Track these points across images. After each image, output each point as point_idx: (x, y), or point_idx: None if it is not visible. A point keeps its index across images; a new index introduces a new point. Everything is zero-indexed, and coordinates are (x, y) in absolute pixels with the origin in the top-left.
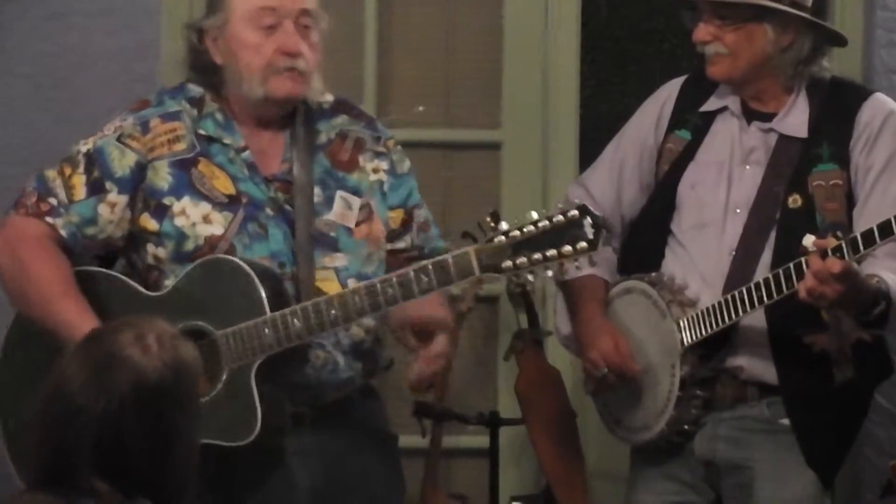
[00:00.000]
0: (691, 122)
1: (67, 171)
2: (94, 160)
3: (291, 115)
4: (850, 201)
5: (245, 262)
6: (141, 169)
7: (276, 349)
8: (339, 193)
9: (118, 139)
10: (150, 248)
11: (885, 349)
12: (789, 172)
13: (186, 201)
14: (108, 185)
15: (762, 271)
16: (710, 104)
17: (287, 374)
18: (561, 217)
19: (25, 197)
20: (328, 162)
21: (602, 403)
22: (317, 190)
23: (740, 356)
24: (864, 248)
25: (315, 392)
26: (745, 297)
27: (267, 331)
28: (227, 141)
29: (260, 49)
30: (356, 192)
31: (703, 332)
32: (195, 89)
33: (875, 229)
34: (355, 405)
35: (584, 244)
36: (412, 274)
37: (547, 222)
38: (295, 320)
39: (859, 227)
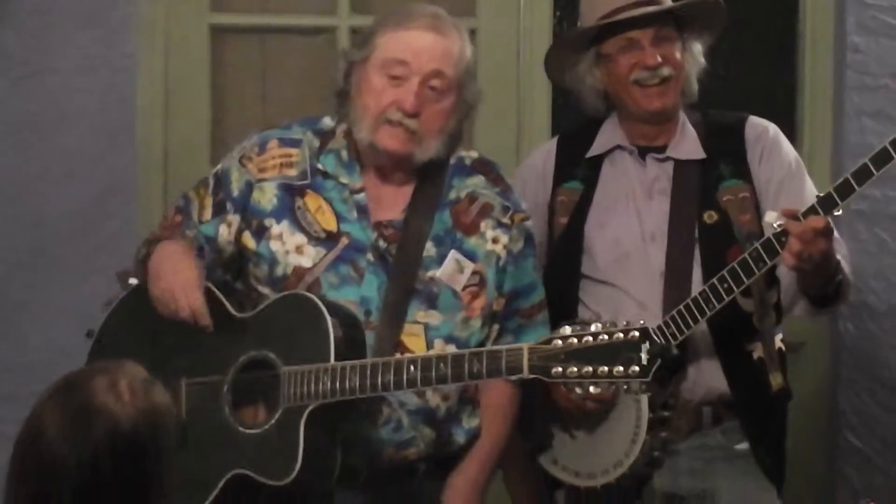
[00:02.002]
0: (579, 172)
1: (202, 192)
2: (220, 181)
3: (425, 168)
4: (758, 212)
5: (327, 305)
6: (249, 188)
7: (330, 399)
8: (454, 254)
9: (240, 159)
10: (251, 267)
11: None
12: (697, 193)
13: (285, 226)
14: (228, 205)
15: (696, 287)
16: (597, 148)
17: (340, 425)
18: (620, 335)
19: (170, 212)
20: (451, 220)
21: (551, 461)
22: (430, 245)
23: (694, 370)
24: (842, 200)
25: (373, 448)
26: (710, 294)
27: (326, 379)
28: (343, 180)
29: (380, 95)
30: (471, 256)
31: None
32: (328, 123)
33: (850, 178)
34: (418, 476)
35: (636, 369)
36: (466, 356)
37: (605, 336)
38: (354, 375)
39: (774, 224)
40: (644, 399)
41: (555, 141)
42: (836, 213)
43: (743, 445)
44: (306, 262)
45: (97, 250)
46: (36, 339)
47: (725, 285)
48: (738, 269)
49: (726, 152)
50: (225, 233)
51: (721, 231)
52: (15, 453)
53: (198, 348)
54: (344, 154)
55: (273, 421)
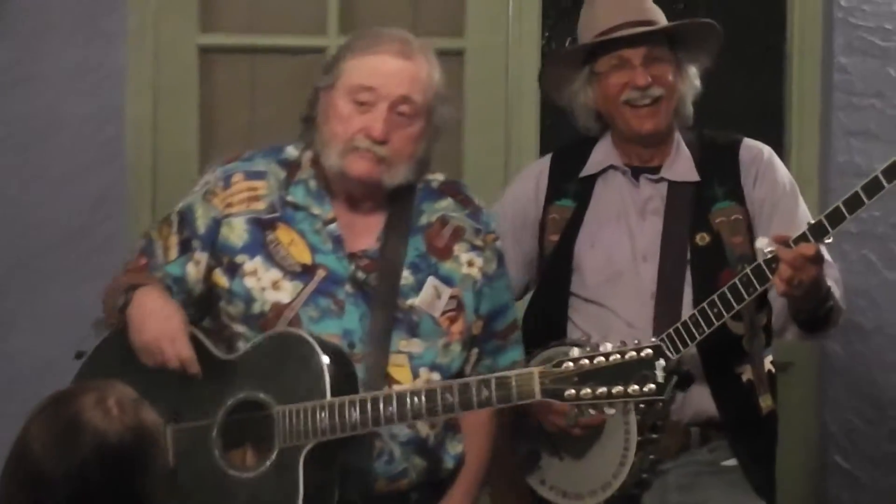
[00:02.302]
0: (571, 190)
1: (165, 231)
2: (185, 219)
3: (394, 194)
4: (751, 235)
5: (318, 342)
6: (216, 224)
7: (329, 436)
8: (431, 280)
9: (203, 195)
10: (223, 304)
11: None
12: (689, 214)
13: (259, 262)
14: (194, 243)
15: (687, 310)
16: (590, 168)
17: (339, 462)
18: (633, 353)
19: (133, 254)
20: (424, 245)
21: (538, 481)
22: (407, 273)
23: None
24: (833, 228)
25: (365, 480)
26: (700, 318)
27: (323, 415)
28: (315, 211)
29: (348, 121)
30: (447, 281)
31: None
32: (292, 152)
33: (841, 206)
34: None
35: (652, 387)
36: (473, 385)
37: (618, 356)
38: (353, 410)
39: (762, 257)
40: (633, 421)
41: (548, 158)
42: (826, 241)
43: (731, 461)
44: (284, 297)
45: (87, 259)
46: (24, 347)
47: (716, 310)
48: (729, 295)
49: (720, 174)
50: (193, 272)
51: (713, 253)
52: (7, 464)
53: (183, 393)
54: (313, 184)
55: (269, 463)
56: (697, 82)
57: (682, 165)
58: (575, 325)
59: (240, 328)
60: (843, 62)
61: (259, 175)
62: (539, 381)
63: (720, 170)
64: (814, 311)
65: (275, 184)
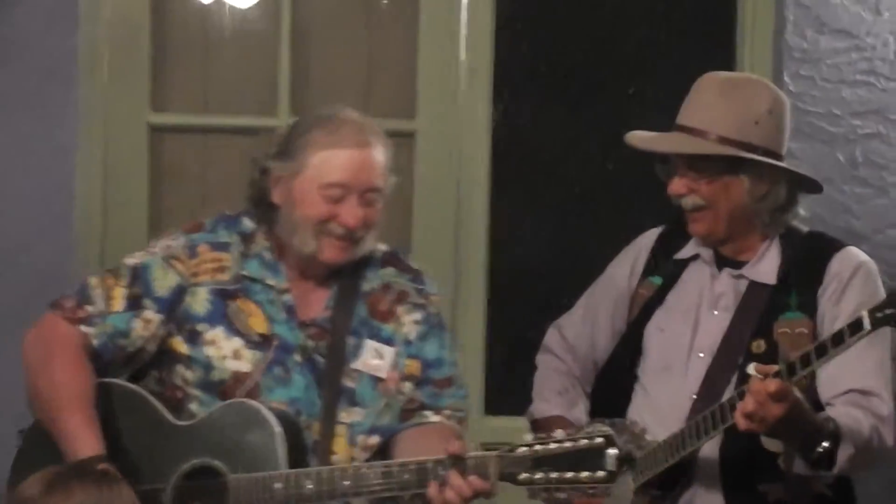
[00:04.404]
0: (664, 269)
1: (110, 281)
2: (139, 275)
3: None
4: None
5: (273, 413)
6: (181, 291)
7: None
8: (369, 342)
9: (165, 259)
10: (180, 369)
11: None
12: (756, 318)
13: (220, 332)
14: (146, 301)
15: None
16: (684, 252)
17: None
18: (585, 441)
19: (65, 299)
20: (366, 311)
21: None
22: (349, 338)
23: (690, 494)
24: (800, 370)
25: None
26: (686, 435)
27: (278, 486)
28: (270, 282)
29: (318, 208)
30: (389, 341)
31: (648, 472)
32: (249, 224)
33: (812, 352)
34: None
35: (602, 474)
36: (430, 464)
37: (570, 443)
38: (308, 483)
39: (821, 376)
40: None
41: (657, 231)
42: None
43: None
44: (244, 366)
45: None
46: None
47: (700, 429)
48: (710, 418)
49: (801, 282)
50: (139, 328)
51: (765, 363)
52: None
53: (137, 457)
54: (267, 255)
55: None
56: (778, 192)
57: (765, 266)
58: (633, 406)
59: (195, 392)
60: (793, 147)
61: (224, 247)
62: (496, 465)
63: (803, 277)
64: (803, 450)
65: (237, 256)
